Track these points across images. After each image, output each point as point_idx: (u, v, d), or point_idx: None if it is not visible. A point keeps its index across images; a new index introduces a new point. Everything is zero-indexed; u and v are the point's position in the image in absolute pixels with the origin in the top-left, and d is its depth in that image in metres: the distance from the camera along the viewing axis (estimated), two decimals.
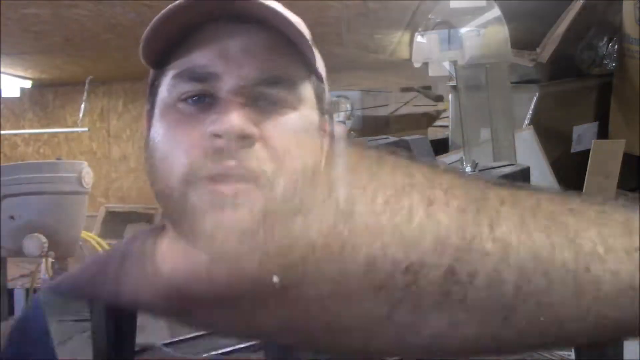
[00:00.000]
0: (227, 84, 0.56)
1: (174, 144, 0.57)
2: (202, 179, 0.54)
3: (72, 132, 5.29)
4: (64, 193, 1.91)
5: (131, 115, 5.35)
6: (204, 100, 0.57)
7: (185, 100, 0.57)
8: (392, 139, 1.86)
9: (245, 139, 0.54)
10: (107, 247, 2.43)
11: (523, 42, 4.04)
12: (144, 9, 2.99)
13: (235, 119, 0.54)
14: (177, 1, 0.56)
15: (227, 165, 0.54)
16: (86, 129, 4.47)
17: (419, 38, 3.20)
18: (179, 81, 0.58)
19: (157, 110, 0.61)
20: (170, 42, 0.58)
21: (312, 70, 0.61)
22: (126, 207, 4.45)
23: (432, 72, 4.27)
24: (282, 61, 0.58)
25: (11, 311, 2.36)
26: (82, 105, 3.47)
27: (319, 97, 0.63)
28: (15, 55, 4.03)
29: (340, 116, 4.57)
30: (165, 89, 0.60)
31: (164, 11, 0.56)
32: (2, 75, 4.46)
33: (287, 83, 0.58)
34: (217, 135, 0.54)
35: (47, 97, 5.44)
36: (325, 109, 0.64)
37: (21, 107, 5.48)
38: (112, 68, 4.62)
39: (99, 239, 2.46)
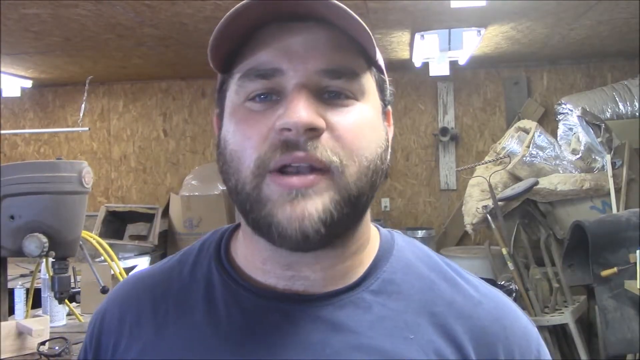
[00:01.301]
0: (292, 78, 0.58)
1: (243, 139, 0.58)
2: (272, 171, 0.56)
3: (73, 132, 5.29)
4: (64, 193, 1.91)
5: (131, 115, 5.35)
6: (271, 97, 0.59)
7: (253, 99, 0.59)
8: None
9: (312, 131, 0.56)
10: (107, 247, 2.43)
11: (527, 40, 4.05)
12: (144, 9, 2.99)
13: (302, 112, 0.55)
14: (236, 5, 0.57)
15: (296, 155, 0.56)
16: (86, 128, 4.47)
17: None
18: (246, 80, 0.59)
19: (226, 112, 0.62)
20: (235, 45, 0.60)
21: (372, 62, 0.63)
22: (126, 207, 4.45)
23: (432, 72, 4.28)
24: (344, 54, 0.59)
25: (11, 311, 2.36)
26: (82, 105, 3.46)
27: (381, 88, 0.65)
28: (15, 55, 4.02)
29: None
30: (234, 90, 0.61)
31: (225, 16, 0.57)
32: (2, 75, 4.45)
33: (349, 75, 0.59)
34: (285, 129, 0.56)
35: (47, 97, 5.44)
36: (387, 100, 0.66)
37: (21, 107, 5.48)
38: (112, 68, 4.62)
39: (99, 239, 2.46)
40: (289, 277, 0.63)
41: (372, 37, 0.60)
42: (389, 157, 0.65)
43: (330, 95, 0.59)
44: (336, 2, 0.57)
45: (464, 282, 0.66)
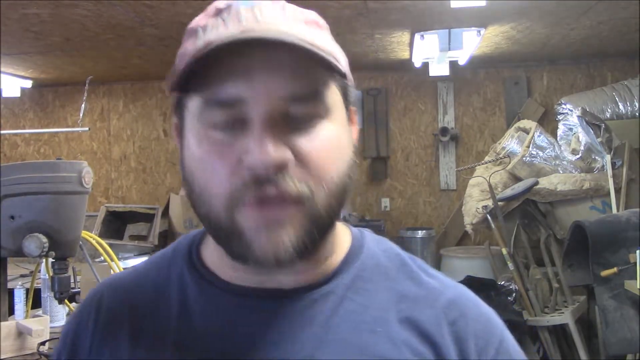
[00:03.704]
0: (256, 107, 0.57)
1: (213, 173, 0.58)
2: (246, 203, 0.57)
3: (73, 132, 5.29)
4: (64, 193, 1.90)
5: (131, 115, 5.35)
6: (235, 127, 0.58)
7: (216, 128, 0.58)
8: None
9: (280, 166, 0.56)
10: (107, 247, 2.43)
11: (527, 40, 4.05)
12: (144, 9, 2.99)
13: (270, 150, 0.55)
14: (206, 46, 0.56)
15: (268, 191, 0.56)
16: (86, 128, 4.47)
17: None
18: (209, 108, 0.58)
19: (190, 133, 0.61)
20: (198, 67, 0.58)
21: (334, 69, 0.60)
22: (126, 207, 4.45)
23: (432, 72, 4.28)
24: (307, 75, 0.58)
25: (11, 311, 2.36)
26: (82, 105, 3.47)
27: (345, 94, 0.64)
28: (15, 55, 4.02)
29: None
30: (196, 114, 0.60)
31: (191, 56, 0.57)
32: (2, 75, 4.45)
33: (314, 97, 0.58)
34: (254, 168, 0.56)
35: (47, 97, 5.44)
36: (351, 102, 0.65)
37: (21, 107, 5.48)
38: (112, 68, 4.62)
39: (99, 239, 2.46)
40: (261, 281, 0.64)
41: (334, 45, 0.60)
42: (356, 161, 0.65)
43: (295, 121, 0.58)
44: (295, 31, 0.57)
45: (428, 277, 0.69)
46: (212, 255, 0.68)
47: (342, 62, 0.63)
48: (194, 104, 0.60)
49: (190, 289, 0.66)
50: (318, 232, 0.59)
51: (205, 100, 0.58)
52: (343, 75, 0.62)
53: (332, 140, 0.60)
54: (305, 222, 0.58)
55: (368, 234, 0.72)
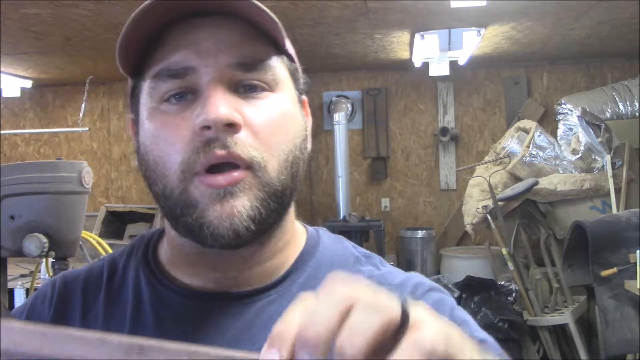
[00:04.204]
0: (205, 75, 0.57)
1: (166, 144, 0.58)
2: (198, 173, 0.57)
3: (73, 132, 5.29)
4: (64, 193, 1.90)
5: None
6: (185, 97, 0.58)
7: (168, 100, 0.59)
8: None
9: (231, 127, 0.56)
10: (107, 247, 2.43)
11: (527, 40, 4.05)
12: None
13: (220, 108, 0.55)
14: (141, 6, 0.57)
15: (217, 154, 0.56)
16: (86, 128, 4.47)
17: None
18: (158, 81, 0.59)
19: (142, 116, 0.61)
20: (143, 48, 0.60)
21: (282, 51, 0.63)
22: (126, 207, 4.45)
23: (432, 72, 4.28)
24: (254, 46, 0.59)
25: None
26: (83, 105, 3.47)
27: (294, 77, 0.65)
28: (15, 55, 4.02)
29: (340, 116, 4.57)
30: (147, 93, 0.60)
31: (131, 18, 0.57)
32: (2, 75, 4.45)
33: (261, 66, 0.59)
34: (205, 127, 0.56)
35: (47, 97, 5.44)
36: (301, 89, 0.66)
37: (21, 107, 5.48)
38: (112, 68, 4.62)
39: (99, 239, 2.46)
40: (217, 278, 0.63)
41: (280, 25, 0.60)
42: (309, 146, 0.65)
43: (245, 89, 0.59)
44: None
45: (383, 272, 0.69)
46: (168, 253, 0.67)
47: (289, 45, 0.63)
48: (146, 84, 0.61)
49: (144, 290, 0.65)
50: (273, 202, 0.58)
51: (156, 74, 0.59)
52: (291, 59, 0.64)
53: (281, 113, 0.60)
54: (259, 190, 0.58)
55: (324, 233, 0.72)
